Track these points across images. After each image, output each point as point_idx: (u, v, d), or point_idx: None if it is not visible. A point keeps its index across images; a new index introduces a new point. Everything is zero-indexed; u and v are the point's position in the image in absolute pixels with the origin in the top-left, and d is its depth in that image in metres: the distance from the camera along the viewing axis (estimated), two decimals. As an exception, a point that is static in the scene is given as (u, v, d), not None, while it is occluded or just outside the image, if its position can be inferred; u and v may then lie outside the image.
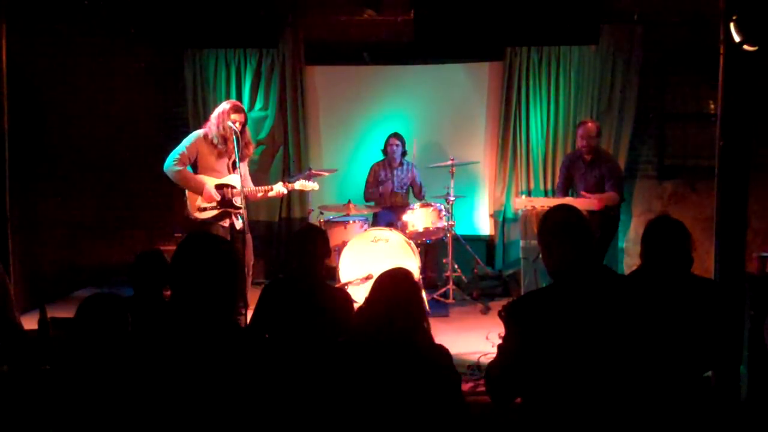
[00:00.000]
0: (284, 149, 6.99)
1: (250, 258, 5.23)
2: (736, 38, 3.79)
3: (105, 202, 7.02)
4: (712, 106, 6.36)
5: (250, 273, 5.31)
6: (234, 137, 4.96)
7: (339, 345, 2.40)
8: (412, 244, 5.65)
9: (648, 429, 2.27)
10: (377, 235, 5.62)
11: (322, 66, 7.07)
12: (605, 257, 5.80)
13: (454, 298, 6.07)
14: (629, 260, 6.70)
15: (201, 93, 6.85)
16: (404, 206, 6.33)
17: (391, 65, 7.05)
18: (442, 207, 6.03)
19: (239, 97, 6.68)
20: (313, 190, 5.54)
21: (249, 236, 5.24)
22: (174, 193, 5.36)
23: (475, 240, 6.88)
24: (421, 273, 5.73)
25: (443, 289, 6.13)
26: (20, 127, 5.48)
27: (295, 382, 2.29)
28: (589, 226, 2.45)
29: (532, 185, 6.80)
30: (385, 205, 6.51)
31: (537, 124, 6.75)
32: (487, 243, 7.08)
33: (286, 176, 6.70)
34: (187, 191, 5.15)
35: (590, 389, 2.22)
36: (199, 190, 5.08)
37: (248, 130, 5.32)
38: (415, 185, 6.63)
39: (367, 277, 5.27)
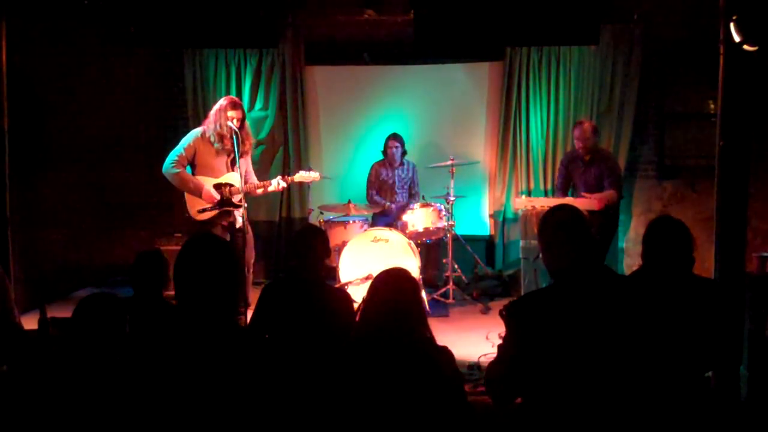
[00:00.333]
0: (284, 149, 6.99)
1: (250, 256, 5.23)
2: (736, 38, 3.79)
3: (105, 202, 7.02)
4: (712, 106, 6.36)
5: (251, 271, 5.31)
6: (233, 135, 4.95)
7: (339, 346, 2.40)
8: (412, 244, 5.65)
9: (648, 429, 2.27)
10: (377, 235, 5.62)
11: (322, 66, 7.07)
12: (605, 257, 5.79)
13: (454, 298, 6.07)
14: (629, 260, 6.70)
15: (201, 93, 6.85)
16: (404, 206, 6.32)
17: (391, 65, 7.05)
18: (442, 207, 6.03)
19: (239, 97, 6.66)
20: (314, 180, 5.52)
21: (250, 234, 5.23)
22: (174, 192, 5.36)
23: (475, 240, 6.88)
24: (421, 273, 5.73)
25: (443, 289, 6.13)
26: (20, 127, 5.48)
27: (295, 382, 2.29)
28: (589, 226, 2.45)
29: (532, 185, 6.80)
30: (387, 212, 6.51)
31: (537, 124, 6.75)
32: (487, 243, 7.08)
33: (286, 175, 6.70)
34: (185, 194, 5.14)
35: (591, 389, 2.22)
36: (197, 192, 5.06)
37: (247, 124, 5.31)
38: (412, 187, 6.63)
39: (367, 277, 5.27)
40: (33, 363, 3.15)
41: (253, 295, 3.85)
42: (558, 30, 6.17)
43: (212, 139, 5.06)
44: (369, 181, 6.64)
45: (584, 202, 5.26)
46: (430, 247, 6.39)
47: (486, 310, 5.83)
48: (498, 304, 4.55)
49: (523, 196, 6.00)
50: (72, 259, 6.96)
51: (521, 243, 5.96)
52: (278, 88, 6.90)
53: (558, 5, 6.08)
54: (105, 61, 6.90)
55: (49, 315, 3.35)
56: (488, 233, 7.08)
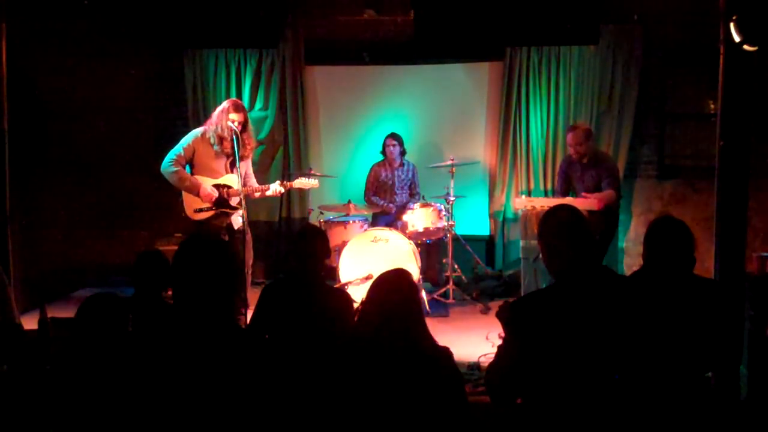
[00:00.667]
0: (284, 149, 6.99)
1: (249, 257, 5.22)
2: (736, 38, 3.79)
3: (105, 201, 7.02)
4: (712, 106, 6.36)
5: (250, 273, 5.30)
6: (233, 137, 4.95)
7: (339, 346, 2.40)
8: (413, 245, 5.65)
9: (648, 429, 2.27)
10: (377, 235, 5.63)
11: (322, 66, 7.07)
12: (605, 257, 5.79)
13: (454, 298, 6.07)
14: (629, 260, 6.70)
15: (201, 93, 6.85)
16: (404, 206, 6.32)
17: (391, 65, 7.04)
18: (442, 207, 6.03)
19: (239, 98, 6.66)
20: (313, 187, 5.53)
21: (249, 236, 5.22)
22: (174, 193, 5.36)
23: (475, 240, 6.88)
24: (421, 273, 5.73)
25: (443, 289, 6.13)
26: (20, 127, 5.48)
27: (296, 382, 2.29)
28: (589, 226, 2.45)
29: (532, 185, 6.80)
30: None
31: (537, 124, 6.75)
32: (487, 243, 7.08)
33: (286, 176, 6.70)
34: (183, 192, 5.13)
35: (591, 389, 2.22)
36: (195, 191, 5.05)
37: (251, 128, 5.30)
38: (413, 187, 6.62)
39: (367, 277, 5.27)
40: (33, 363, 3.16)
41: (252, 296, 3.85)
42: (558, 30, 6.17)
43: (212, 140, 5.05)
44: (368, 183, 6.64)
45: (584, 202, 5.26)
46: (430, 247, 6.39)
47: (486, 310, 5.83)
48: (498, 304, 4.54)
49: (523, 196, 6.00)
50: (72, 259, 6.96)
51: (521, 243, 5.95)
52: (278, 88, 6.90)
53: (558, 5, 6.08)
54: (105, 62, 6.89)
55: (49, 315, 3.35)
56: (488, 233, 7.08)
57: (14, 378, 3.08)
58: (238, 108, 5.09)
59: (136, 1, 6.45)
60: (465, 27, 6.26)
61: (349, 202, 6.01)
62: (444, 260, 6.26)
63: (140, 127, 6.99)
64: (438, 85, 7.05)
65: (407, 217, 5.95)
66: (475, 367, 4.26)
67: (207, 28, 6.44)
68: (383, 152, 6.56)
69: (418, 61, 6.96)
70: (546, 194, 6.67)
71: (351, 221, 6.04)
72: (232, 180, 5.11)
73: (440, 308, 5.87)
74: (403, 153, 6.54)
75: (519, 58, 6.69)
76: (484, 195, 7.09)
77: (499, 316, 2.42)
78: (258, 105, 6.90)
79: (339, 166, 7.00)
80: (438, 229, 5.97)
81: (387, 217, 6.44)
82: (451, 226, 6.06)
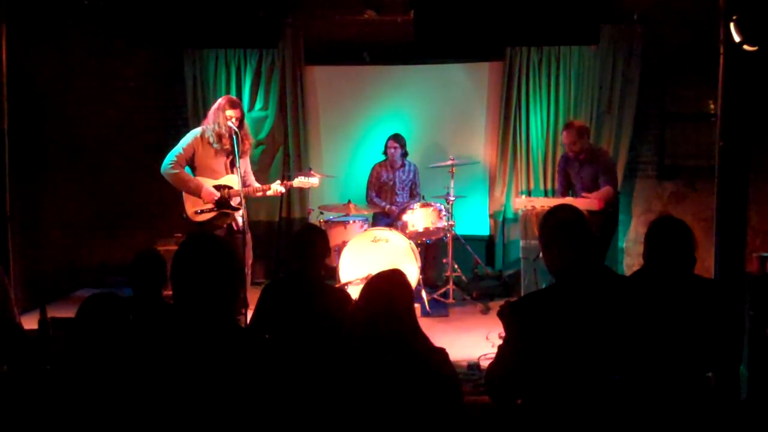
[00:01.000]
0: (284, 149, 6.99)
1: (248, 258, 5.22)
2: (736, 38, 3.79)
3: (105, 202, 7.02)
4: (712, 106, 6.35)
5: (249, 273, 5.30)
6: (232, 135, 4.94)
7: (333, 347, 2.38)
8: (413, 245, 5.65)
9: (648, 429, 2.27)
10: (377, 235, 5.63)
11: (322, 66, 7.07)
12: (605, 257, 5.79)
13: (454, 298, 6.08)
14: (629, 260, 6.70)
15: (201, 93, 6.84)
16: (404, 206, 6.32)
17: (391, 65, 7.05)
18: (442, 207, 6.03)
19: (239, 98, 6.64)
20: (313, 186, 5.53)
21: (249, 236, 5.22)
22: (173, 192, 5.36)
23: (475, 240, 6.88)
24: (421, 273, 5.73)
25: (443, 289, 6.13)
26: (20, 127, 5.48)
27: (296, 382, 2.29)
28: (590, 226, 2.44)
29: (532, 185, 6.80)
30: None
31: (537, 124, 6.75)
32: (487, 243, 7.08)
33: (286, 176, 6.71)
34: (183, 193, 5.13)
35: (591, 390, 2.22)
36: (197, 192, 5.04)
37: (246, 124, 5.30)
38: (414, 188, 6.62)
39: (367, 278, 5.26)
40: (33, 363, 3.16)
41: (252, 296, 3.85)
42: (558, 30, 6.18)
43: (211, 139, 5.04)
44: (369, 183, 6.64)
45: (584, 202, 5.26)
46: (430, 247, 6.39)
47: (486, 310, 5.83)
48: (498, 304, 4.55)
49: (523, 196, 6.00)
50: (72, 259, 6.96)
51: (521, 243, 5.95)
52: (278, 88, 6.90)
53: (558, 5, 6.08)
54: (105, 61, 6.89)
55: (49, 315, 3.34)
56: (488, 233, 7.08)
57: (14, 378, 3.08)
58: (234, 104, 5.08)
59: (136, 1, 6.44)
60: (465, 27, 6.26)
61: (349, 202, 6.01)
62: (444, 260, 6.26)
63: (140, 127, 6.99)
64: (438, 85, 7.05)
65: (407, 217, 5.95)
66: (475, 367, 4.25)
67: (207, 28, 6.44)
68: (385, 153, 6.56)
69: (418, 61, 6.96)
70: (546, 194, 6.67)
71: (351, 221, 6.04)
72: (233, 180, 5.11)
73: (440, 308, 5.87)
74: (404, 155, 6.54)
75: (519, 58, 6.69)
76: (484, 195, 7.09)
77: (501, 315, 2.42)
78: (258, 105, 6.91)
79: (339, 166, 7.00)
80: (438, 229, 5.97)
81: (387, 218, 6.44)
82: (451, 226, 6.06)
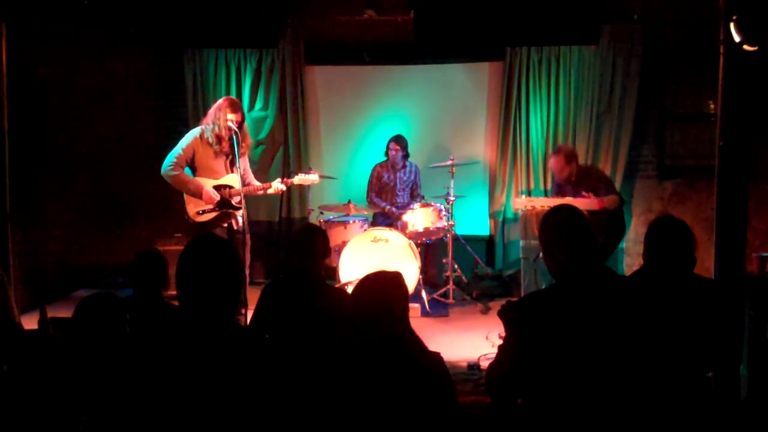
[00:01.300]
0: (284, 149, 6.99)
1: (247, 258, 5.22)
2: (736, 38, 3.79)
3: (105, 202, 7.02)
4: (712, 106, 6.36)
5: (248, 273, 5.29)
6: (232, 136, 4.94)
7: (324, 347, 2.36)
8: (413, 245, 5.65)
9: (649, 429, 2.27)
10: (377, 235, 5.63)
11: (322, 66, 7.07)
12: (608, 259, 5.77)
13: (454, 298, 6.07)
14: (629, 260, 6.70)
15: (201, 93, 6.84)
16: (405, 206, 6.32)
17: (391, 65, 7.05)
18: (442, 207, 6.03)
19: (239, 97, 6.66)
20: (313, 183, 5.52)
21: (248, 236, 5.22)
22: (174, 192, 5.36)
23: (475, 240, 6.88)
24: (421, 273, 5.73)
25: (443, 289, 6.13)
26: (20, 127, 5.48)
27: (295, 382, 2.29)
28: (590, 226, 2.44)
29: (532, 185, 6.80)
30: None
31: (537, 124, 6.75)
32: (487, 243, 7.07)
33: (286, 176, 6.70)
34: (185, 195, 5.12)
35: (591, 390, 2.22)
36: (197, 193, 5.04)
37: (246, 125, 5.29)
38: (414, 188, 6.62)
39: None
40: (33, 363, 3.16)
41: (252, 296, 3.85)
42: (558, 30, 6.19)
43: (210, 140, 5.03)
44: (369, 183, 6.63)
45: (584, 202, 5.25)
46: (430, 247, 6.39)
47: (486, 310, 5.83)
48: (498, 304, 4.55)
49: (523, 196, 6.00)
50: (72, 259, 6.96)
51: (521, 243, 5.96)
52: (278, 88, 6.90)
53: (558, 5, 6.09)
54: (105, 62, 6.90)
55: (49, 315, 3.34)
56: (488, 233, 7.07)
57: (14, 378, 3.08)
58: (235, 107, 5.07)
59: (136, 0, 6.44)
60: (465, 27, 6.27)
61: (349, 202, 6.01)
62: (444, 260, 6.26)
63: (140, 127, 6.99)
64: (438, 85, 7.05)
65: (407, 217, 5.95)
66: (475, 367, 4.25)
67: (207, 28, 6.45)
68: (386, 154, 6.56)
69: (418, 61, 6.96)
70: (546, 194, 6.66)
71: (351, 221, 6.03)
72: (233, 180, 5.10)
73: (440, 308, 5.87)
74: (406, 156, 6.53)
75: (519, 58, 6.69)
76: (484, 195, 7.09)
77: (501, 315, 2.42)
78: (258, 105, 6.91)
79: (339, 166, 6.99)
80: (438, 229, 5.97)
81: (387, 218, 6.44)
82: (451, 226, 6.06)
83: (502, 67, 6.79)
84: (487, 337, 4.85)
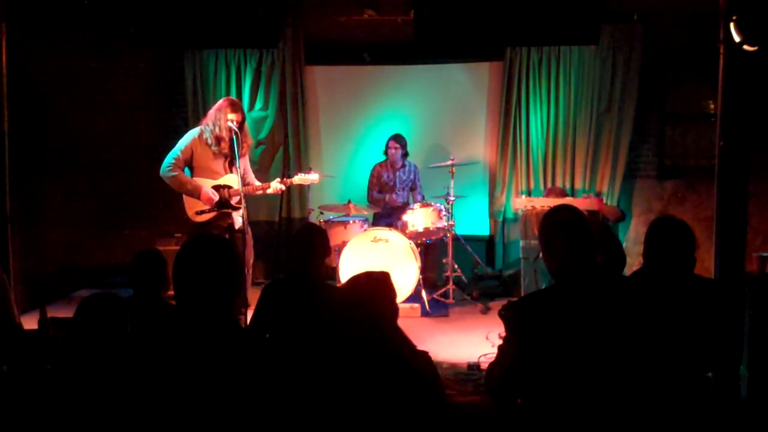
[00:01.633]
0: (284, 149, 6.99)
1: (249, 257, 5.22)
2: (736, 38, 3.79)
3: (105, 202, 7.03)
4: (712, 106, 6.36)
5: (250, 272, 5.30)
6: (232, 137, 4.93)
7: (321, 346, 2.36)
8: (413, 245, 5.65)
9: (649, 429, 2.27)
10: (377, 235, 5.63)
11: (322, 66, 7.07)
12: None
13: (454, 298, 6.07)
14: (629, 260, 6.63)
15: (201, 93, 6.84)
16: (404, 206, 6.32)
17: (391, 65, 7.04)
18: (442, 207, 6.03)
19: (239, 97, 6.66)
20: (313, 183, 5.53)
21: (249, 235, 5.22)
22: (173, 192, 5.36)
23: (475, 240, 6.88)
24: (421, 273, 5.73)
25: (443, 289, 6.12)
26: (20, 127, 5.48)
27: (295, 382, 2.29)
28: (590, 226, 2.44)
29: (532, 185, 6.80)
30: (386, 210, 6.50)
31: (537, 124, 6.75)
32: (487, 243, 7.07)
33: (286, 176, 6.70)
34: (184, 195, 5.12)
35: (591, 390, 2.22)
36: (196, 194, 5.03)
37: (246, 125, 5.29)
38: (414, 188, 6.62)
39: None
40: (33, 363, 3.16)
41: (252, 296, 3.85)
42: (558, 30, 6.18)
43: (209, 141, 5.03)
44: (370, 183, 6.63)
45: (584, 202, 5.26)
46: (430, 247, 6.38)
47: (486, 310, 5.83)
48: (498, 304, 4.56)
49: (523, 196, 6.01)
50: (72, 259, 6.96)
51: (521, 243, 5.96)
52: (278, 88, 6.90)
53: (558, 5, 6.08)
54: (105, 62, 6.89)
55: (49, 315, 3.34)
56: (488, 233, 7.08)
57: (14, 378, 3.08)
58: (235, 107, 5.07)
59: (137, 1, 6.44)
60: (465, 27, 6.26)
61: (349, 202, 6.00)
62: (444, 260, 6.26)
63: (140, 127, 6.99)
64: (438, 85, 7.05)
65: (407, 217, 5.95)
66: (475, 367, 4.25)
67: (207, 28, 6.44)
68: (385, 153, 6.56)
69: (418, 61, 6.96)
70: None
71: (351, 221, 6.03)
72: (232, 180, 5.10)
73: (440, 308, 5.86)
74: (405, 155, 6.54)
75: (519, 58, 6.69)
76: (484, 195, 7.09)
77: (502, 315, 2.42)
78: (258, 105, 6.91)
79: (339, 166, 7.00)
80: (438, 229, 5.97)
81: (387, 218, 6.44)
82: (451, 226, 6.06)
83: (502, 67, 6.79)
84: (487, 337, 4.85)
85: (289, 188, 5.59)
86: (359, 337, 2.23)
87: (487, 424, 3.01)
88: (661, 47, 6.52)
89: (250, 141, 5.46)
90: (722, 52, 3.93)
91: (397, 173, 6.55)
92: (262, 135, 6.91)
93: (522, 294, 5.46)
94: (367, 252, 5.56)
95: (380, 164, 6.63)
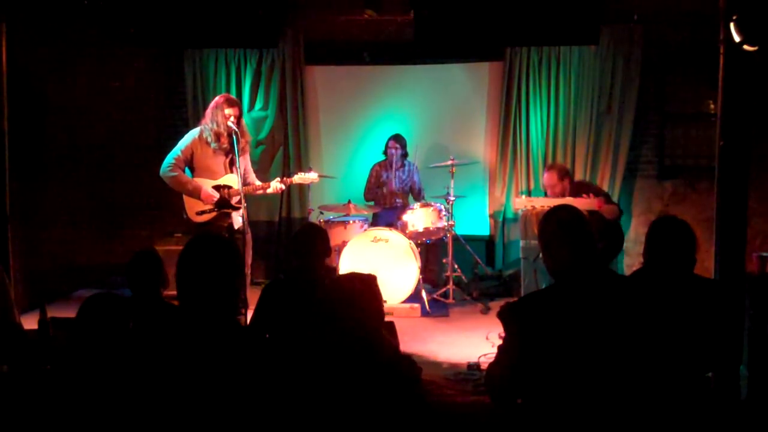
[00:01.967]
0: (284, 149, 6.99)
1: (249, 257, 5.22)
2: (736, 38, 3.79)
3: (105, 202, 7.03)
4: (712, 106, 6.36)
5: (249, 273, 5.30)
6: (232, 134, 4.93)
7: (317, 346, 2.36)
8: (413, 245, 5.65)
9: (649, 429, 2.27)
10: (377, 235, 5.63)
11: (322, 66, 7.07)
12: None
13: (454, 298, 6.07)
14: (629, 260, 6.70)
15: (201, 93, 6.84)
16: (404, 206, 6.32)
17: (391, 65, 7.05)
18: (442, 207, 6.03)
19: (239, 97, 6.66)
20: (313, 182, 5.53)
21: (249, 235, 5.22)
22: (173, 192, 5.37)
23: (475, 240, 6.88)
24: (421, 273, 5.73)
25: (443, 289, 6.13)
26: (20, 127, 5.48)
27: (296, 382, 2.29)
28: (590, 226, 2.44)
29: (532, 185, 6.80)
30: (385, 206, 6.51)
31: (537, 124, 6.75)
32: (487, 243, 7.07)
33: (286, 176, 6.70)
34: (184, 195, 5.12)
35: (591, 390, 2.22)
36: (196, 194, 5.04)
37: (244, 122, 5.29)
38: (414, 188, 6.63)
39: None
40: (33, 363, 3.16)
41: (252, 296, 3.85)
42: (558, 30, 6.16)
43: (209, 139, 5.03)
44: (368, 182, 6.65)
45: (584, 202, 5.25)
46: (430, 247, 6.39)
47: (486, 310, 5.83)
48: (498, 304, 4.56)
49: (523, 196, 5.99)
50: (72, 259, 6.96)
51: (521, 243, 5.95)
52: (278, 88, 6.90)
53: (558, 5, 6.07)
54: (105, 62, 6.89)
55: (49, 315, 3.34)
56: (488, 233, 7.08)
57: (14, 378, 3.08)
58: (231, 102, 5.08)
59: (136, 1, 6.44)
60: (465, 27, 6.24)
61: (349, 202, 6.01)
62: (444, 260, 6.26)
63: (140, 127, 6.99)
64: (438, 85, 7.05)
65: (407, 217, 5.95)
66: (475, 367, 4.25)
67: (207, 28, 6.42)
68: (385, 153, 6.56)
69: (418, 61, 6.96)
70: (546, 194, 6.66)
71: (351, 221, 6.03)
72: (232, 180, 5.11)
73: (440, 308, 5.86)
74: (404, 155, 6.54)
75: (519, 58, 6.69)
76: (484, 195, 7.09)
77: (501, 316, 2.42)
78: (258, 105, 6.91)
79: (339, 166, 7.00)
80: (438, 229, 5.97)
81: (387, 217, 6.44)
82: (451, 226, 6.06)
83: (502, 67, 6.79)
84: (487, 337, 4.85)
85: (289, 188, 5.60)
86: (341, 336, 2.24)
87: (487, 424, 3.01)
88: (661, 47, 6.52)
89: (249, 137, 5.47)
90: (722, 52, 3.93)
91: (396, 173, 6.56)
92: (262, 135, 6.91)
93: (522, 294, 5.46)
94: (367, 252, 5.57)
95: (379, 164, 6.64)
